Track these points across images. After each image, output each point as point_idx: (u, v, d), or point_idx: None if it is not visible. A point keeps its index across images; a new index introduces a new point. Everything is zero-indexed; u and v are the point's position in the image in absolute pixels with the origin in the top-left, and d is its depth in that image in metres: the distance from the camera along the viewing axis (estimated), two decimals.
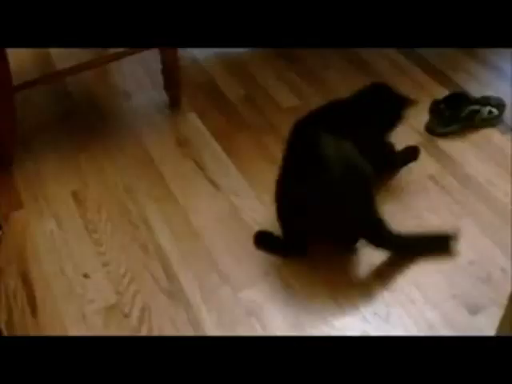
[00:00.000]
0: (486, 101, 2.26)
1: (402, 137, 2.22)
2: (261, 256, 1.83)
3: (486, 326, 1.59)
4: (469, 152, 2.17)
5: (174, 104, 2.39)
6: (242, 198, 2.00)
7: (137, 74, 2.57)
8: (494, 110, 2.25)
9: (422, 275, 1.77)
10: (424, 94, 2.39)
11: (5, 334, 1.61)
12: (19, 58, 2.38)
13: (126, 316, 1.68)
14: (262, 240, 1.86)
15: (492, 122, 2.26)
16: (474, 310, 1.68)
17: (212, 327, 1.65)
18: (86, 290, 1.74)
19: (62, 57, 2.52)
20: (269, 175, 1.92)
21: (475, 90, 2.36)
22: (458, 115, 2.21)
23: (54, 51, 2.58)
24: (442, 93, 2.33)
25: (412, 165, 2.12)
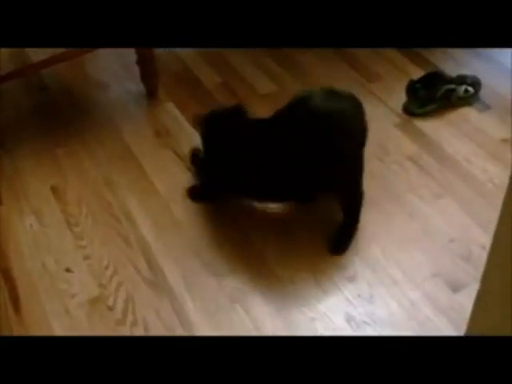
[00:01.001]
0: (461, 79, 2.27)
1: (380, 118, 2.23)
2: (242, 243, 1.83)
3: (468, 303, 1.60)
4: (446, 131, 2.18)
5: (151, 94, 2.38)
6: None
7: (113, 65, 2.55)
8: (470, 89, 2.26)
9: (403, 254, 1.78)
10: (400, 74, 2.41)
11: None
12: None
13: (110, 308, 1.68)
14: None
15: (468, 100, 2.27)
16: (455, 287, 1.70)
17: (197, 316, 1.65)
18: (68, 284, 1.74)
19: (36, 49, 2.49)
20: None
21: (451, 69, 2.37)
22: (435, 95, 2.22)
23: None
24: (418, 73, 2.34)
25: (390, 146, 2.12)
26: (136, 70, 2.34)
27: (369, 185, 1.98)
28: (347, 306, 1.67)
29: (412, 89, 2.22)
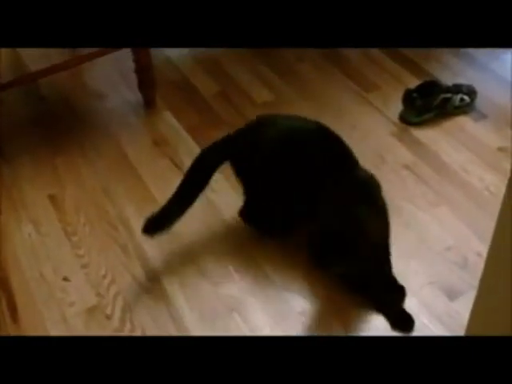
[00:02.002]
0: (457, 88, 2.28)
1: (376, 127, 2.25)
2: (239, 251, 1.84)
3: (464, 310, 1.60)
4: (443, 140, 2.19)
5: (149, 103, 2.39)
6: (219, 193, 2.01)
7: (110, 75, 2.56)
8: (466, 98, 2.27)
9: (399, 262, 1.78)
10: (396, 83, 2.42)
11: None
12: None
13: (108, 317, 1.68)
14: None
15: (464, 109, 2.28)
16: (452, 295, 1.70)
17: (194, 324, 1.66)
18: (66, 294, 1.74)
19: (34, 59, 2.49)
20: None
21: (447, 79, 2.39)
22: (431, 104, 2.23)
23: (26, 53, 2.56)
24: (414, 82, 2.35)
25: (387, 154, 2.13)
26: (134, 79, 2.35)
27: None
28: (344, 314, 1.67)
29: (408, 98, 2.23)
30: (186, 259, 1.82)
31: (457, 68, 2.50)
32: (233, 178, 1.89)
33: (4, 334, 1.64)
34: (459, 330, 1.46)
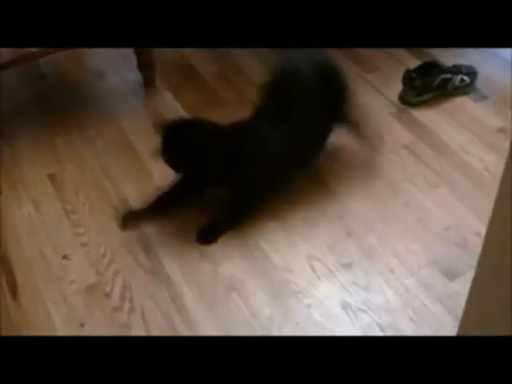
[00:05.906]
0: (457, 69, 2.27)
1: (376, 108, 2.24)
2: (238, 231, 1.84)
3: (463, 290, 1.60)
4: (442, 120, 2.19)
5: (149, 83, 2.38)
6: None
7: (110, 55, 2.55)
8: (466, 78, 2.27)
9: (399, 242, 1.79)
10: (396, 64, 2.41)
11: None
12: None
13: (107, 295, 1.68)
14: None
15: (464, 89, 2.28)
16: (451, 275, 1.71)
17: (193, 303, 1.66)
18: (66, 272, 1.75)
19: None
20: None
21: (447, 59, 2.37)
22: (431, 84, 2.22)
23: None
24: (414, 63, 2.34)
25: (386, 135, 2.13)
26: (133, 59, 2.34)
27: (364, 173, 2.00)
28: (343, 294, 1.68)
29: (408, 78, 2.22)
30: (186, 239, 1.82)
31: (457, 49, 2.49)
32: None
33: (4, 310, 1.65)
34: (458, 311, 1.45)
